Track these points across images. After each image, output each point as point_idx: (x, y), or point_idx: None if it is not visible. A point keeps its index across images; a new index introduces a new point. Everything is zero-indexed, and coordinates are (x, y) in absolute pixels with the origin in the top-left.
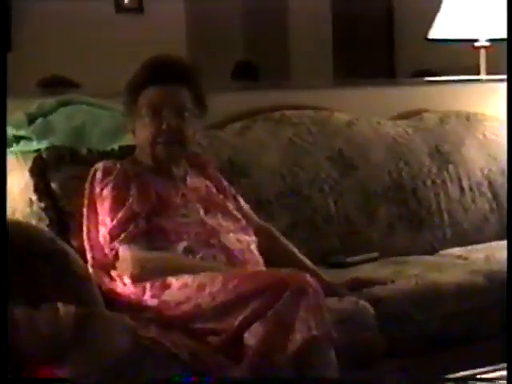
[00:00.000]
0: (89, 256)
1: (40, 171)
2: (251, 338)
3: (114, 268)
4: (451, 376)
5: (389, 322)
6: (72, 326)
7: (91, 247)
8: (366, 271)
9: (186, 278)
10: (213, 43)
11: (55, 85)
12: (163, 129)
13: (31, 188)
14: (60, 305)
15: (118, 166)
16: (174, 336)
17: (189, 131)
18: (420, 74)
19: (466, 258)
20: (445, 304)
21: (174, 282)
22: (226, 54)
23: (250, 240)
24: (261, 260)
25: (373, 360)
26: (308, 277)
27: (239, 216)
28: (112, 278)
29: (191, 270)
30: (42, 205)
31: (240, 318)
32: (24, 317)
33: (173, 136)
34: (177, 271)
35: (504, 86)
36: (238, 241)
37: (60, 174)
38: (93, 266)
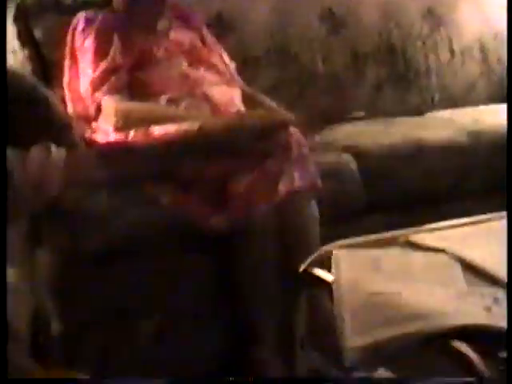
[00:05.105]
0: (70, 109)
1: (22, 18)
2: (235, 186)
3: (96, 120)
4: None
5: (372, 177)
6: (63, 167)
7: (72, 99)
8: (350, 128)
9: (169, 127)
10: None
11: None
12: None
13: (15, 36)
14: (52, 146)
15: (100, 16)
16: (156, 182)
17: None
18: None
19: (452, 120)
20: (429, 160)
21: (157, 130)
22: None
23: (235, 93)
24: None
25: (354, 214)
26: (292, 129)
27: (224, 69)
28: (93, 130)
29: (174, 120)
30: (26, 52)
31: (224, 164)
32: (17, 158)
33: None
34: (160, 121)
35: None
36: (222, 93)
37: (43, 22)
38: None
